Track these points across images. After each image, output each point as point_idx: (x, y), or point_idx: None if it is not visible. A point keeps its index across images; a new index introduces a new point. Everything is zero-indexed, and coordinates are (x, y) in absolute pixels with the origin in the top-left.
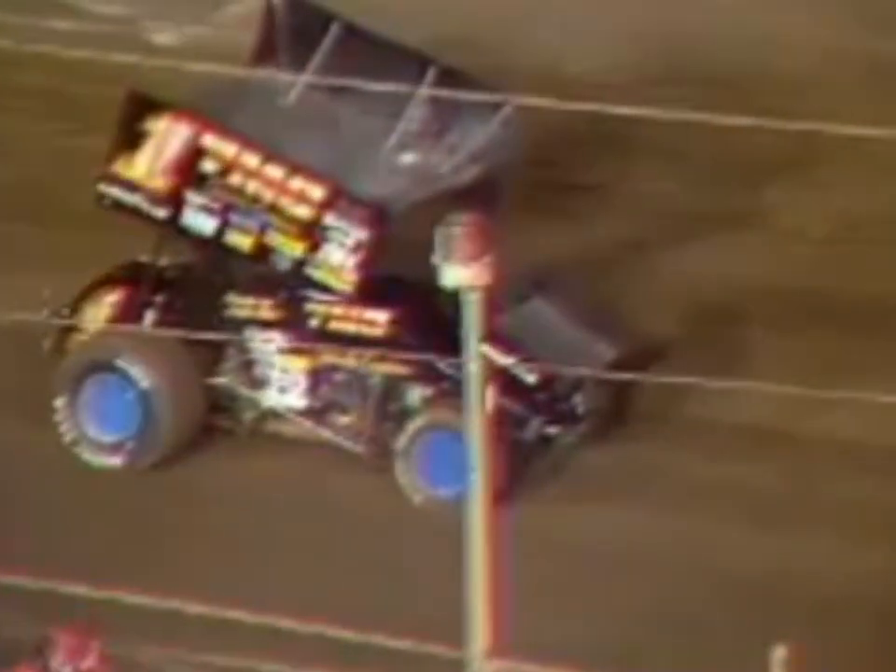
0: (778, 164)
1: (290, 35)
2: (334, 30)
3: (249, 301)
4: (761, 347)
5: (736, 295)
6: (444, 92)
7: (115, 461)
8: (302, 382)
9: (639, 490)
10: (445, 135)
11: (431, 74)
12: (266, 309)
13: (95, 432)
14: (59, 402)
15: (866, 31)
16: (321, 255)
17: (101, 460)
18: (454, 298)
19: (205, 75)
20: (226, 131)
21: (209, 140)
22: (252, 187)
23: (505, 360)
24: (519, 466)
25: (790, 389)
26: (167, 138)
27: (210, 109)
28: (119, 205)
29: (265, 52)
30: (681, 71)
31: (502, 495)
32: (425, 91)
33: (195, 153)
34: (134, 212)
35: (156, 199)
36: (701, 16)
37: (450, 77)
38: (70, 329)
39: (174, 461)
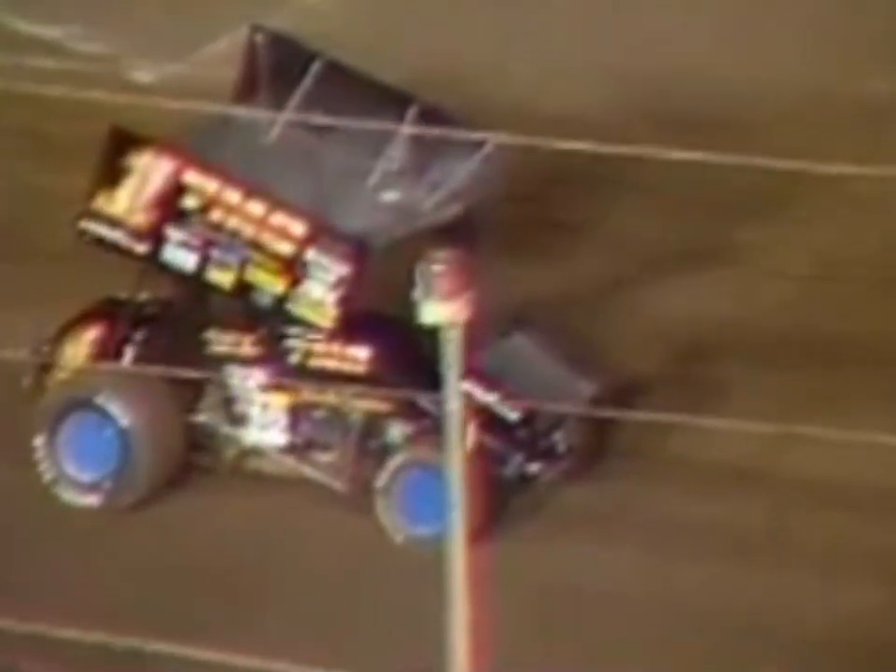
0: (758, 203)
1: (272, 72)
2: (316, 67)
3: (230, 337)
4: (740, 385)
5: (716, 333)
6: (426, 130)
7: (93, 501)
8: (283, 419)
9: (619, 528)
10: (426, 173)
11: (412, 111)
12: (246, 345)
13: (74, 471)
14: (37, 441)
15: (847, 70)
16: (302, 291)
17: (79, 500)
18: (434, 334)
19: (187, 112)
20: (207, 167)
21: (190, 176)
22: (233, 222)
23: (486, 397)
24: (499, 504)
25: (768, 427)
26: (148, 174)
27: (192, 146)
28: (99, 241)
29: (247, 89)
30: (661, 109)
31: (482, 533)
32: (406, 128)
33: (176, 189)
34: (115, 248)
35: (136, 234)
36: (681, 54)
37: (431, 114)
38: (49, 367)
39: (153, 500)
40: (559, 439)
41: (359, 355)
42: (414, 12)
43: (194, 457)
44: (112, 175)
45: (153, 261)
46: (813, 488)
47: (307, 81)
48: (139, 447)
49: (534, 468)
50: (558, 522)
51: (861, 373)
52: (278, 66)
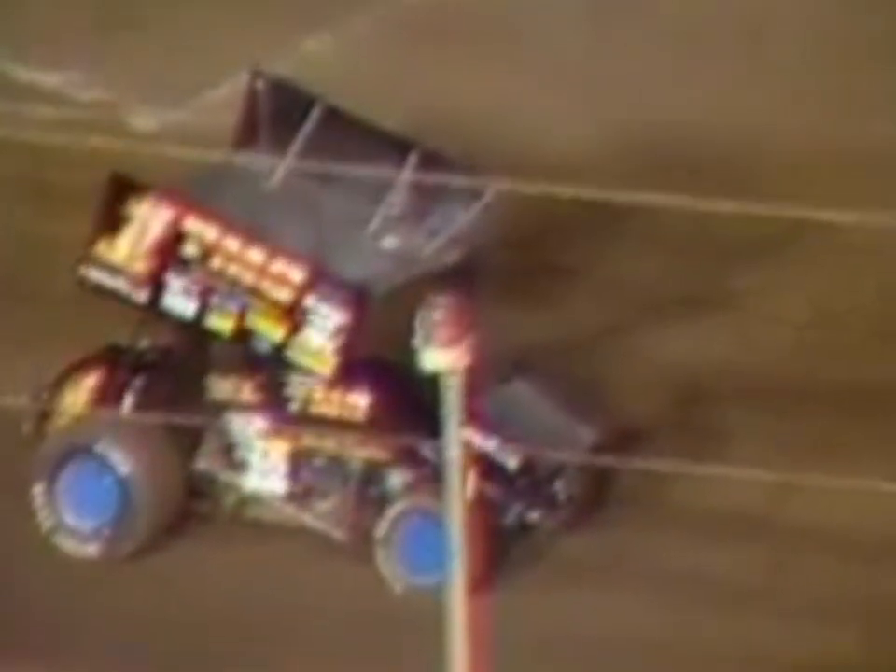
0: (756, 249)
1: (272, 119)
2: (316, 113)
3: (229, 383)
4: (739, 431)
5: (715, 378)
6: (426, 176)
7: (92, 550)
8: (283, 466)
9: (620, 576)
10: (426, 219)
11: (413, 158)
12: (246, 392)
13: (73, 519)
14: (36, 489)
15: (845, 119)
16: (302, 338)
17: (78, 549)
18: (434, 381)
19: (187, 159)
20: (207, 214)
21: (190, 223)
22: (233, 269)
23: (485, 444)
24: (499, 552)
25: (768, 475)
26: (149, 221)
27: (192, 193)
28: (100, 288)
29: (247, 136)
30: (659, 156)
31: (482, 582)
32: (406, 175)
33: (176, 236)
34: (115, 295)
35: (137, 281)
36: (679, 103)
37: (431, 161)
38: (49, 413)
39: (152, 549)
40: (559, 487)
41: (359, 402)
42: (415, 59)
43: (193, 505)
44: (112, 221)
45: (153, 308)
46: (812, 536)
47: (307, 127)
48: (139, 495)
49: (534, 516)
50: (558, 570)
51: (859, 421)
52: (279, 112)
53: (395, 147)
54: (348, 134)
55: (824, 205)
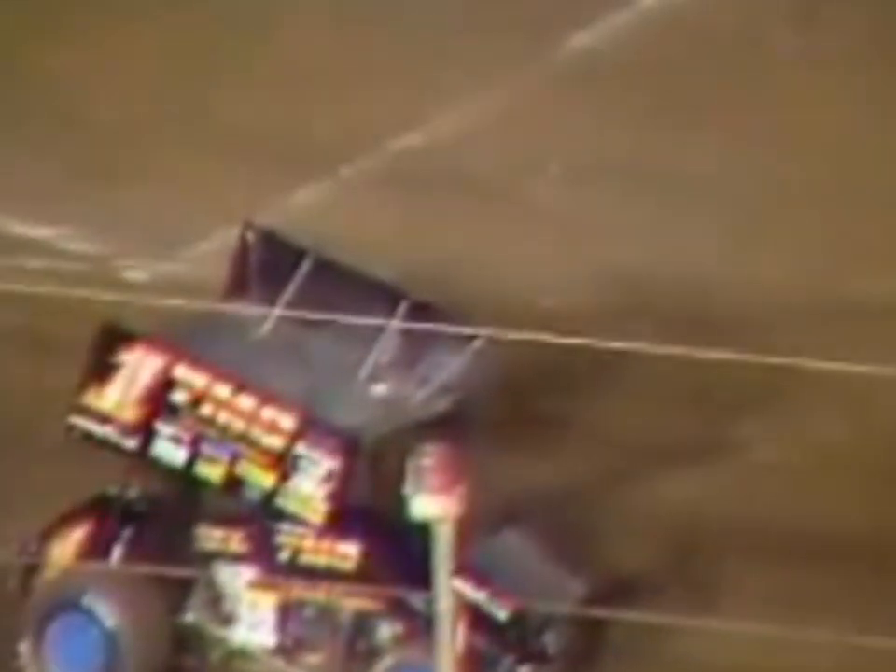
0: (752, 398)
1: (263, 269)
2: (307, 263)
3: (219, 533)
4: (734, 582)
5: (709, 528)
6: (416, 325)
7: None
8: (271, 618)
9: None
10: (417, 366)
11: (403, 306)
12: (236, 541)
13: None
14: (23, 646)
15: (833, 268)
16: (292, 485)
17: None
18: (424, 530)
19: (179, 309)
20: (197, 362)
21: (180, 371)
22: (223, 417)
23: (475, 595)
24: None
25: (764, 628)
26: (139, 369)
27: (183, 342)
28: (89, 437)
29: (238, 286)
30: (651, 306)
31: None
32: (396, 323)
33: (166, 384)
34: (104, 443)
35: (126, 430)
36: (671, 252)
37: (421, 309)
38: (36, 568)
39: None
40: (549, 640)
41: (349, 551)
42: (403, 209)
43: (181, 659)
44: (102, 370)
45: (143, 456)
46: None
47: (298, 277)
48: (125, 648)
49: (524, 670)
50: None
51: (858, 570)
52: (269, 263)
53: (385, 296)
54: (338, 284)
55: (814, 354)
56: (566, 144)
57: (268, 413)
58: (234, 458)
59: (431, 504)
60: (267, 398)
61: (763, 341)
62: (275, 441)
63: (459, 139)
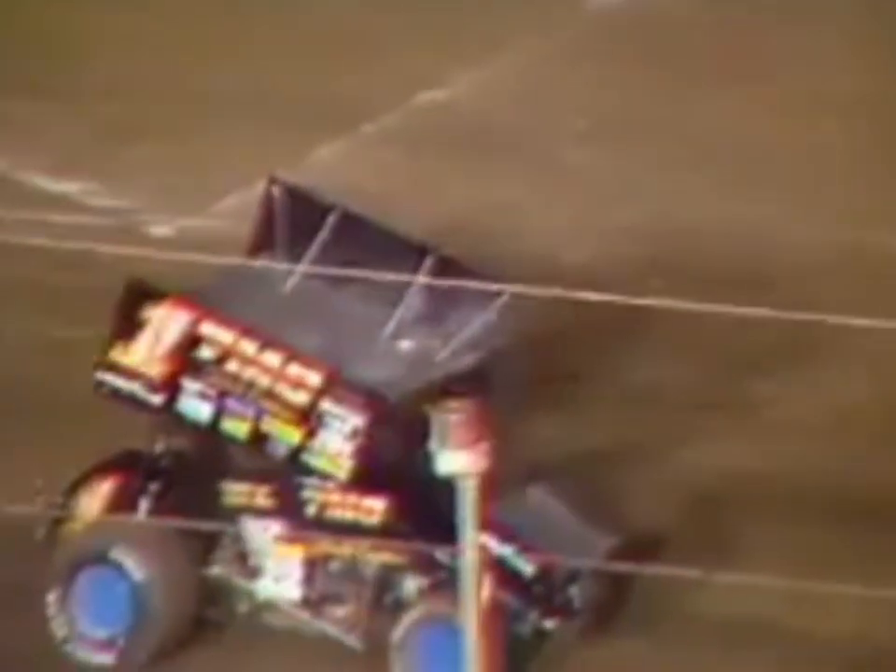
0: (775, 356)
1: (288, 224)
2: (332, 218)
3: (245, 488)
4: (758, 538)
5: (732, 485)
6: (442, 281)
7: (107, 658)
8: (298, 572)
9: None
10: (443, 323)
11: (429, 262)
12: (262, 496)
13: (88, 627)
14: (50, 597)
15: (860, 225)
16: (318, 441)
17: (93, 657)
18: (449, 485)
19: (203, 265)
20: (223, 318)
21: (207, 327)
22: (249, 373)
23: (501, 550)
24: (515, 660)
25: (788, 583)
26: (165, 325)
27: (208, 298)
28: (115, 393)
29: (263, 241)
30: (675, 262)
31: None
32: (422, 279)
33: (192, 340)
34: (131, 399)
35: (152, 386)
36: (697, 209)
37: (447, 265)
38: (63, 520)
39: (165, 657)
40: (575, 594)
41: (375, 506)
42: (427, 165)
43: (207, 612)
44: (128, 327)
45: (169, 412)
46: (828, 644)
47: (323, 233)
48: (153, 602)
49: (550, 624)
50: None
51: (878, 526)
52: (295, 218)
53: (411, 252)
54: (364, 240)
55: (836, 311)
56: (589, 100)
57: (294, 369)
58: (260, 414)
59: (457, 459)
60: (293, 354)
61: (783, 298)
62: (301, 398)
63: (482, 95)
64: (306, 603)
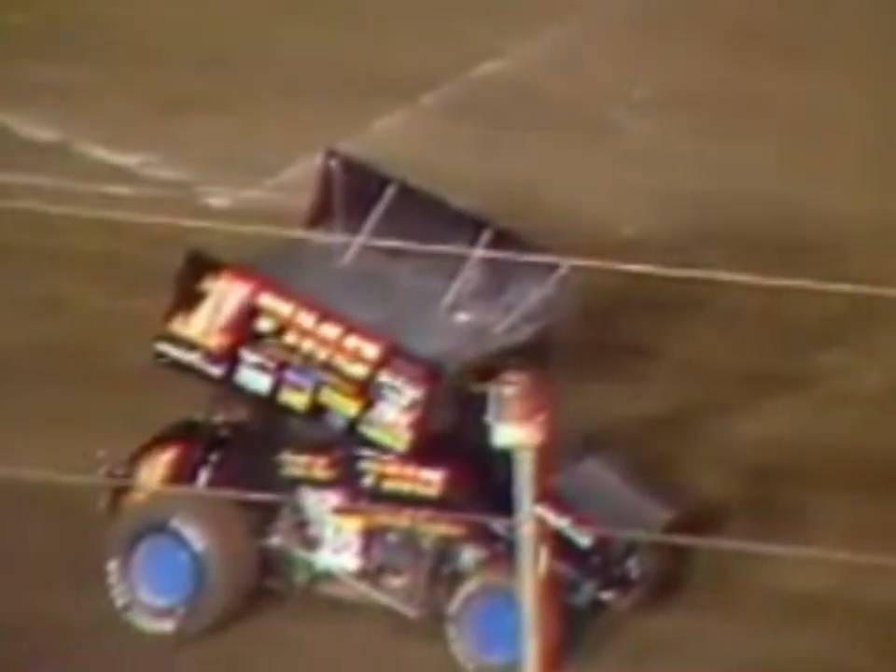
0: (833, 328)
1: (346, 197)
2: (390, 191)
3: (303, 459)
4: (819, 511)
5: (790, 457)
6: (499, 254)
7: (167, 626)
8: (356, 543)
9: (693, 657)
10: (500, 295)
11: (486, 235)
12: (320, 468)
13: (147, 596)
14: (111, 565)
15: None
16: (375, 413)
17: (152, 626)
18: (507, 457)
19: (262, 237)
20: (282, 290)
21: (265, 299)
22: (307, 345)
23: (558, 522)
24: (572, 632)
25: (845, 556)
26: (224, 297)
27: (267, 270)
28: (175, 364)
29: (321, 214)
30: (733, 235)
31: (555, 662)
32: (479, 252)
33: (251, 312)
34: (190, 370)
35: (212, 357)
36: (755, 179)
37: (504, 238)
38: (124, 490)
39: (224, 626)
40: (632, 566)
41: (433, 477)
42: (486, 138)
43: (266, 581)
44: (189, 298)
45: (228, 383)
46: (891, 617)
47: (381, 205)
48: (213, 572)
49: (607, 595)
50: (632, 651)
51: None
52: (353, 191)
53: (468, 225)
54: (421, 212)
55: (888, 283)
56: (646, 71)
57: (352, 341)
58: (318, 386)
59: (514, 432)
60: (351, 326)
61: (841, 270)
62: (359, 370)
63: (540, 66)
64: (364, 574)
